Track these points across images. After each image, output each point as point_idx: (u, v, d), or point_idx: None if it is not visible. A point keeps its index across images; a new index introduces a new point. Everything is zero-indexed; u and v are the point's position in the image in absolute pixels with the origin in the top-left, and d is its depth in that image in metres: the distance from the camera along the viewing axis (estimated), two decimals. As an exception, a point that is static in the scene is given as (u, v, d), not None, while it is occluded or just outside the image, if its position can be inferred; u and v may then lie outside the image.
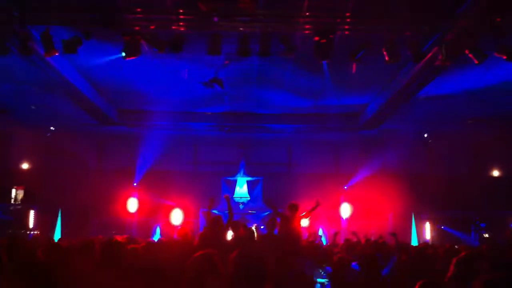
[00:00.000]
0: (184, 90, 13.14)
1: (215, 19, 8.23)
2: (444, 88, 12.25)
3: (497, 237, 15.77)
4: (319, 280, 7.89)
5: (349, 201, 16.91)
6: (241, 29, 8.52)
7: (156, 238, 14.11)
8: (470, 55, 8.64)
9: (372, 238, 12.08)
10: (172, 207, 16.35)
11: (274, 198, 11.41)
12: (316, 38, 8.49)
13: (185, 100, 14.12)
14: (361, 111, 15.28)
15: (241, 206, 17.00)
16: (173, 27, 8.61)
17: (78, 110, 13.92)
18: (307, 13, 8.31)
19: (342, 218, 16.80)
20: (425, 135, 17.47)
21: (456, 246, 9.41)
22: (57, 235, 15.48)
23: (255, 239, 8.39)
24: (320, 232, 15.32)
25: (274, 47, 8.69)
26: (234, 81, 12.29)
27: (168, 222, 16.10)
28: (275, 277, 6.12)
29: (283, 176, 18.00)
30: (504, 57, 8.65)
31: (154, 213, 16.72)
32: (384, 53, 8.75)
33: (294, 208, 9.22)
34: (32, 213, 16.80)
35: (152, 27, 8.64)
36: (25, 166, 17.98)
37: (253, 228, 10.26)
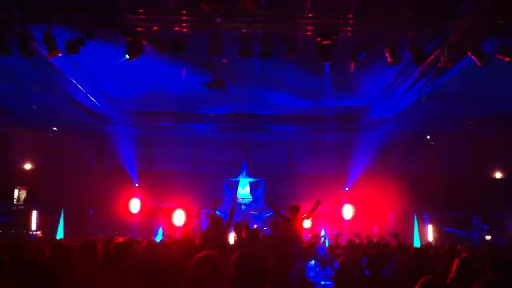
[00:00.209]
0: (186, 90, 13.15)
1: (218, 20, 8.24)
2: (446, 89, 12.25)
3: (499, 238, 15.73)
4: (322, 282, 7.90)
5: (351, 202, 16.89)
6: (243, 30, 8.53)
7: (158, 239, 14.11)
8: (473, 57, 8.65)
9: (374, 239, 12.06)
10: (174, 208, 16.35)
11: (275, 199, 11.41)
12: (318, 39, 8.50)
13: (186, 100, 14.12)
14: (362, 112, 15.27)
15: (243, 207, 16.99)
16: (176, 28, 8.62)
17: (79, 110, 13.93)
18: (310, 14, 8.31)
19: (344, 219, 16.77)
20: (428, 137, 17.46)
21: (458, 247, 9.39)
22: (59, 235, 15.50)
23: (258, 240, 8.40)
24: (323, 233, 15.29)
25: (276, 48, 8.70)
26: (236, 82, 12.29)
27: (170, 223, 16.09)
28: (275, 278, 6.14)
29: (284, 177, 17.99)
30: (507, 59, 8.64)
31: (156, 214, 16.73)
32: (387, 54, 8.75)
33: (295, 209, 9.22)
34: (34, 214, 16.81)
35: (154, 27, 8.66)
36: (27, 166, 18.00)
37: (256, 228, 10.28)
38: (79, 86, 12.03)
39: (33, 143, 16.40)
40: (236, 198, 9.32)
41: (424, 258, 7.09)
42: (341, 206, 16.82)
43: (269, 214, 15.52)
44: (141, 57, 8.92)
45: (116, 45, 9.58)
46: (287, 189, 16.14)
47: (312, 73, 11.57)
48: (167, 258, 6.91)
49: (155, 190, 16.72)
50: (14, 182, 17.62)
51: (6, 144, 16.93)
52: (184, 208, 16.33)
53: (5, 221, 16.12)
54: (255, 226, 12.75)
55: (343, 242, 12.17)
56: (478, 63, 8.66)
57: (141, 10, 8.40)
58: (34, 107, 14.52)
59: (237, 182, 17.56)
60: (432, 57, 9.20)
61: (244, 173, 17.60)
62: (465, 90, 12.37)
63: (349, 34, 8.68)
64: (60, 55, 8.90)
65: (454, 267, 4.95)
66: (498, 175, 18.41)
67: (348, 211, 16.76)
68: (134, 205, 16.67)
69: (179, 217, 16.28)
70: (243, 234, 8.51)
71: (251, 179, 17.62)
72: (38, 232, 16.34)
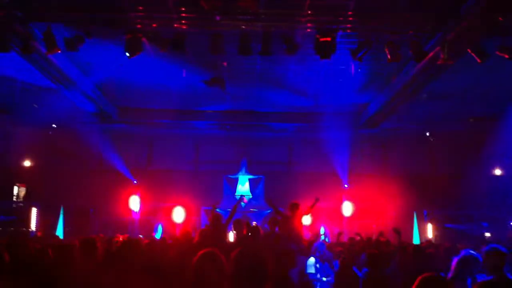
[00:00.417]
0: (185, 88, 13.14)
1: (217, 17, 8.23)
2: (446, 86, 12.24)
3: (499, 236, 15.73)
4: (324, 279, 7.90)
5: (350, 200, 16.90)
6: (243, 27, 8.52)
7: (158, 236, 14.13)
8: (473, 54, 8.63)
9: (374, 237, 12.06)
10: (174, 206, 16.37)
11: (275, 197, 11.43)
12: (318, 37, 8.49)
13: (186, 98, 14.12)
14: (362, 110, 15.27)
15: (243, 204, 17.00)
16: (175, 25, 8.61)
17: (80, 108, 13.93)
18: (309, 12, 8.30)
19: (344, 217, 16.78)
20: (427, 134, 17.45)
21: (457, 245, 9.40)
22: (59, 233, 15.52)
23: (259, 238, 8.41)
24: (322, 231, 15.32)
25: (275, 46, 8.69)
26: (236, 80, 12.29)
27: (170, 221, 16.11)
28: (276, 276, 6.14)
29: (284, 174, 18.00)
30: (506, 56, 8.63)
31: (156, 212, 16.75)
32: (386, 51, 8.75)
33: (295, 207, 9.25)
34: (34, 211, 16.81)
35: (154, 25, 8.65)
36: (27, 164, 18.00)
37: (257, 225, 10.28)
38: (79, 84, 12.01)
39: (33, 140, 16.39)
40: (242, 197, 9.37)
41: (423, 256, 7.10)
42: (340, 204, 16.84)
43: (269, 211, 15.54)
44: (140, 55, 8.91)
45: (115, 43, 9.56)
46: (287, 186, 16.17)
47: (311, 70, 11.57)
48: (167, 256, 6.92)
49: (155, 188, 16.72)
50: (13, 180, 17.62)
51: (6, 142, 16.92)
52: (183, 206, 16.35)
53: (5, 219, 16.12)
54: (254, 223, 12.75)
55: (344, 240, 12.18)
56: (478, 61, 8.65)
57: (141, 8, 8.39)
58: (34, 105, 14.51)
59: (237, 180, 17.59)
60: (431, 54, 9.19)
61: (243, 170, 17.62)
62: (465, 87, 12.38)
63: (348, 31, 8.68)
64: (59, 52, 8.89)
65: (453, 265, 4.97)
66: (498, 172, 18.41)
67: (347, 209, 16.78)
68: (134, 203, 16.68)
69: (179, 215, 16.30)
70: (244, 232, 8.52)
71: (250, 176, 17.64)
72: (38, 230, 16.34)
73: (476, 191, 16.00)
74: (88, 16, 8.48)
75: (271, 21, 8.47)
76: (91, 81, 12.70)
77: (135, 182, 17.06)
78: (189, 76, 11.96)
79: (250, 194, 17.41)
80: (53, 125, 16.79)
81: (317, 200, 9.78)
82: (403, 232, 13.12)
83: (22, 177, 17.66)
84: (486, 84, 12.26)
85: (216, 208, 11.76)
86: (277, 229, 8.84)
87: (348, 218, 16.73)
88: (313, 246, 9.08)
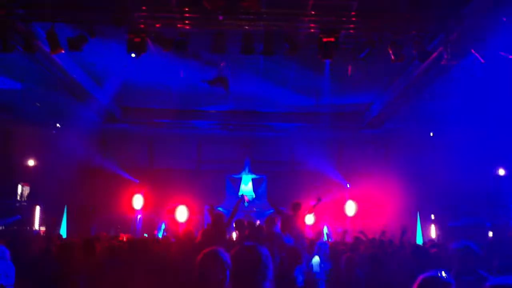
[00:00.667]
0: (188, 88, 13.16)
1: (220, 17, 8.24)
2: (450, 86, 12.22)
3: (501, 236, 15.71)
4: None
5: (354, 199, 16.89)
6: (245, 27, 8.53)
7: (160, 235, 14.16)
8: (476, 54, 8.62)
9: (377, 237, 12.06)
10: (176, 205, 16.38)
11: (278, 196, 11.42)
12: (321, 37, 8.49)
13: (189, 98, 14.14)
14: (366, 109, 15.26)
15: (246, 204, 17.01)
16: (178, 25, 8.63)
17: (83, 108, 13.96)
18: (312, 12, 8.31)
19: (347, 217, 16.78)
20: (431, 134, 17.42)
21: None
22: (62, 232, 15.56)
23: (261, 237, 8.41)
24: (325, 230, 15.31)
25: (278, 46, 8.70)
26: (238, 80, 12.30)
27: (173, 219, 16.13)
28: (281, 274, 6.16)
29: (287, 174, 18.00)
30: (510, 56, 8.62)
31: (159, 211, 16.76)
32: (390, 51, 8.74)
33: (297, 207, 9.24)
34: (37, 210, 16.87)
35: (157, 25, 8.67)
36: (30, 163, 18.04)
37: (260, 225, 10.28)
38: (82, 84, 12.05)
39: (36, 140, 16.43)
40: (244, 197, 9.35)
41: (426, 255, 7.09)
42: (343, 203, 16.83)
43: (272, 211, 15.54)
44: (143, 55, 8.93)
45: (119, 42, 9.58)
46: (290, 186, 16.17)
47: (314, 70, 11.56)
48: (171, 255, 6.95)
49: (157, 187, 16.75)
50: (17, 179, 17.68)
51: (9, 141, 16.97)
52: (186, 205, 16.37)
53: (10, 221, 16.15)
54: (258, 222, 12.74)
55: (349, 239, 12.17)
56: (482, 61, 8.64)
57: (144, 8, 8.42)
58: (37, 104, 14.55)
59: (240, 179, 17.60)
60: (435, 54, 9.18)
61: (246, 170, 17.63)
62: (467, 87, 12.35)
63: (351, 31, 8.68)
64: (62, 52, 8.92)
65: (455, 264, 4.95)
66: (501, 172, 18.38)
67: (350, 208, 16.77)
68: (137, 202, 16.72)
69: (181, 214, 16.31)
70: (246, 232, 8.52)
71: (253, 176, 17.65)
72: (41, 228, 16.40)
73: (479, 190, 15.99)
74: (91, 16, 8.51)
75: (273, 20, 8.48)
76: (94, 81, 12.75)
77: (138, 181, 17.09)
78: (191, 76, 11.98)
79: (253, 193, 17.42)
80: (57, 125, 16.84)
81: (319, 200, 9.79)
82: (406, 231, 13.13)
83: (26, 176, 17.71)
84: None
85: (218, 208, 11.77)
86: (277, 228, 8.80)
87: (351, 217, 16.73)
88: (316, 245, 9.09)
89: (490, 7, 7.78)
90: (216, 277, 3.23)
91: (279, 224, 8.39)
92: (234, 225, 8.91)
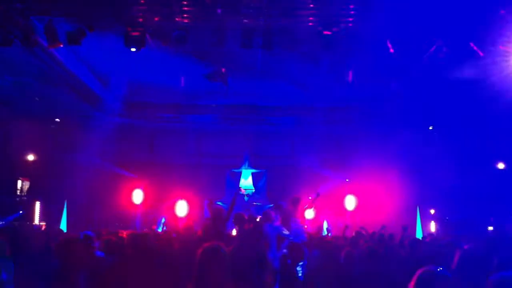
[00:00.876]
0: (187, 82, 13.14)
1: (219, 11, 8.21)
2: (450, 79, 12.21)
3: (502, 230, 15.71)
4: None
5: (353, 193, 16.89)
6: (244, 21, 8.50)
7: (159, 229, 14.17)
8: (475, 47, 8.60)
9: (376, 232, 12.05)
10: (176, 199, 16.39)
11: (278, 191, 11.41)
12: (319, 30, 8.47)
13: (188, 92, 14.12)
14: (363, 103, 15.23)
15: (246, 198, 17.03)
16: (177, 19, 8.60)
17: (82, 102, 13.95)
18: (311, 5, 8.28)
19: (347, 211, 16.78)
20: (430, 128, 17.42)
21: (460, 239, 9.38)
22: (63, 227, 15.57)
23: (260, 232, 8.40)
24: (325, 225, 15.32)
25: (277, 40, 8.67)
26: (237, 74, 12.27)
27: (173, 214, 16.14)
28: (283, 269, 6.17)
29: (287, 168, 17.98)
30: (510, 50, 8.60)
31: (159, 205, 16.76)
32: (389, 45, 8.72)
33: (296, 201, 9.23)
34: (37, 205, 16.88)
35: (155, 18, 8.64)
36: (30, 158, 18.04)
37: (259, 220, 10.27)
38: (81, 78, 12.02)
39: (36, 134, 16.42)
40: (238, 190, 9.31)
41: (424, 250, 7.10)
42: (343, 197, 16.84)
43: (271, 205, 15.55)
44: (143, 49, 8.90)
45: (117, 36, 9.55)
46: (289, 180, 16.16)
47: (314, 64, 11.53)
48: (171, 250, 6.95)
49: (157, 182, 16.75)
50: (17, 174, 17.68)
51: (9, 136, 16.96)
52: (186, 199, 16.37)
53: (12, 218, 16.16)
54: (259, 217, 12.72)
55: (350, 234, 12.17)
56: (481, 54, 8.62)
57: (142, 1, 8.39)
58: (36, 99, 14.53)
59: (240, 173, 17.60)
60: (434, 47, 9.16)
61: (246, 164, 17.63)
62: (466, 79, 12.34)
63: (350, 25, 8.65)
64: (61, 46, 8.89)
65: (456, 259, 4.95)
66: (501, 166, 18.37)
67: (350, 203, 16.77)
68: (137, 196, 16.73)
69: (181, 208, 16.32)
70: (245, 227, 8.51)
71: (253, 170, 17.65)
72: (42, 223, 16.41)
73: (479, 184, 15.98)
74: (90, 10, 8.47)
75: (273, 14, 8.45)
76: (93, 75, 12.73)
77: (138, 176, 17.08)
78: (191, 70, 11.95)
79: (253, 188, 17.43)
80: (56, 119, 16.83)
81: (318, 195, 9.78)
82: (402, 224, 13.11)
83: (26, 171, 17.71)
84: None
85: (217, 202, 11.75)
86: (277, 223, 8.77)
87: (351, 212, 16.73)
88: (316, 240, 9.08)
89: None
90: (216, 272, 3.23)
91: (279, 218, 8.37)
92: (233, 220, 8.88)
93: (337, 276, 7.61)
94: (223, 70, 11.36)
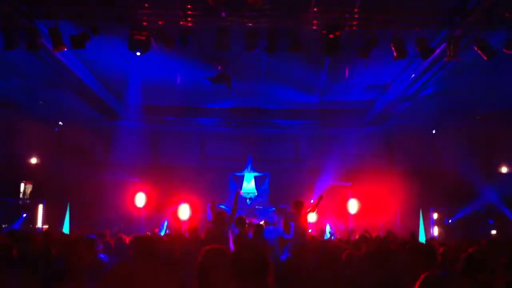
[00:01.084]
0: (191, 85, 13.15)
1: (223, 14, 8.22)
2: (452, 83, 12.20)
3: (505, 233, 15.68)
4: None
5: (356, 197, 16.85)
6: (248, 24, 8.51)
7: (162, 232, 14.17)
8: (479, 51, 8.59)
9: (381, 235, 12.03)
10: (179, 202, 16.37)
11: (280, 194, 11.40)
12: (324, 33, 8.47)
13: (192, 95, 14.14)
14: (369, 107, 15.23)
15: (248, 201, 17.01)
16: (181, 23, 8.61)
17: (86, 105, 13.97)
18: (315, 9, 8.29)
19: (350, 214, 16.74)
20: (433, 131, 17.39)
21: (464, 243, 9.36)
22: (65, 229, 15.58)
23: (262, 235, 8.40)
24: (328, 228, 15.30)
25: (281, 43, 8.68)
26: (241, 77, 12.28)
27: (175, 217, 16.12)
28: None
29: (290, 171, 17.98)
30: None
31: (162, 208, 16.75)
32: (393, 48, 8.71)
33: (299, 205, 9.23)
34: (41, 208, 16.89)
35: (160, 22, 8.65)
36: (33, 160, 18.08)
37: (260, 223, 10.28)
38: (85, 81, 12.05)
39: (40, 137, 16.45)
40: (239, 192, 9.28)
41: (427, 254, 7.07)
42: (346, 201, 16.79)
43: (274, 208, 15.55)
44: (147, 52, 8.92)
45: (122, 40, 9.58)
46: (293, 183, 16.15)
47: (317, 67, 11.54)
48: (175, 253, 6.95)
49: (160, 184, 16.72)
50: (20, 176, 17.72)
51: (13, 139, 17.01)
52: (189, 202, 16.35)
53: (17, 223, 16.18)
54: (263, 221, 12.71)
55: (355, 238, 12.15)
56: (485, 58, 8.61)
57: (147, 5, 8.40)
58: (40, 102, 14.57)
59: (242, 177, 17.59)
60: (438, 50, 9.15)
61: (249, 167, 17.62)
62: (472, 83, 12.32)
63: (354, 28, 8.65)
64: (65, 49, 8.91)
65: (460, 263, 4.93)
66: (504, 169, 18.34)
67: (353, 206, 16.72)
68: (140, 199, 16.71)
69: (184, 211, 16.30)
70: (246, 229, 8.52)
71: (256, 174, 17.64)
72: (45, 226, 16.42)
73: (482, 187, 15.96)
74: (94, 13, 8.49)
75: (277, 17, 8.46)
76: (97, 78, 12.75)
77: (141, 179, 17.08)
78: (194, 73, 11.96)
79: (256, 191, 17.41)
80: (60, 123, 16.86)
81: (321, 198, 9.76)
82: (408, 229, 13.12)
83: (29, 174, 17.74)
84: (492, 81, 12.21)
85: (220, 205, 11.74)
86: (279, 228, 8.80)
87: (353, 215, 16.68)
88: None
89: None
90: (218, 275, 3.23)
91: (281, 223, 8.41)
92: (234, 223, 8.89)
93: (337, 277, 7.60)
94: (227, 73, 11.37)
